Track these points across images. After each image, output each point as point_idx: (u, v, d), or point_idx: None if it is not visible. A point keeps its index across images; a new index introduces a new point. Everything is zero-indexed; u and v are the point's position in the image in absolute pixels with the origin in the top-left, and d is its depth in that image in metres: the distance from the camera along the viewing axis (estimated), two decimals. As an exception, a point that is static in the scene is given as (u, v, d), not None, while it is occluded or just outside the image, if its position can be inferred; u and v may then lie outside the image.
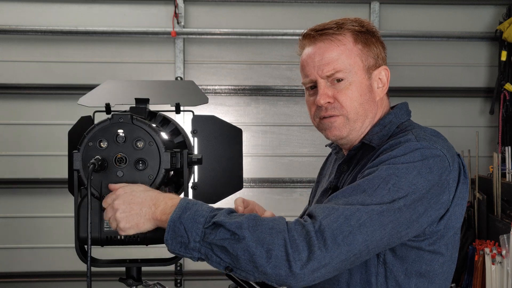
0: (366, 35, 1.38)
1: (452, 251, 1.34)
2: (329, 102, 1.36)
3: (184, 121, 3.40)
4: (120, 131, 1.23)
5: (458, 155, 1.34)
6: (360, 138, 1.40)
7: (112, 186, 1.24)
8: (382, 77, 1.40)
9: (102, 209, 1.25)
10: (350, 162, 1.43)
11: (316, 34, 1.37)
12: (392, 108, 1.46)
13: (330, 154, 1.66)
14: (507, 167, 3.59)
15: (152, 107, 1.44)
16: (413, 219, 1.20)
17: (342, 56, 1.35)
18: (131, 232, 1.21)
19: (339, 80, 1.35)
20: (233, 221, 1.13)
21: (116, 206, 1.20)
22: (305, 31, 1.41)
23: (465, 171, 1.33)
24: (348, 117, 1.36)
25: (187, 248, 1.14)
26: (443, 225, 1.27)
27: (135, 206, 1.20)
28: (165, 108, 1.46)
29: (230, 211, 1.18)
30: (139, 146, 1.23)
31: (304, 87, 1.44)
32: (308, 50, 1.39)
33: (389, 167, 1.20)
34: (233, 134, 1.45)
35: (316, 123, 1.42)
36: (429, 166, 1.22)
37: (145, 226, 1.21)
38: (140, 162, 1.23)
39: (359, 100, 1.36)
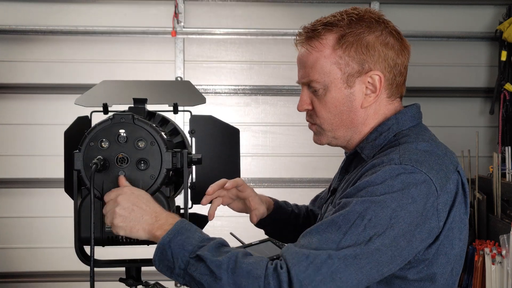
0: (355, 36, 1.26)
1: (449, 277, 1.24)
2: (307, 109, 1.34)
3: (183, 121, 3.40)
4: (122, 131, 1.23)
5: (459, 171, 1.23)
6: (355, 143, 1.35)
7: (121, 181, 1.23)
8: (374, 82, 1.28)
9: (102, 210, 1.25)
10: (349, 167, 1.41)
11: (301, 37, 1.33)
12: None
13: None
14: (507, 167, 3.59)
15: (149, 107, 1.44)
16: (395, 255, 1.12)
17: (316, 64, 1.28)
18: (121, 232, 1.20)
19: (314, 89, 1.30)
20: (214, 258, 1.10)
21: (119, 201, 1.19)
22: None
23: (465, 189, 1.23)
24: (322, 127, 1.33)
25: (173, 273, 1.14)
26: (433, 252, 1.18)
27: (137, 210, 1.20)
28: (162, 108, 1.46)
29: (221, 245, 1.15)
30: (141, 146, 1.23)
31: None
32: (298, 51, 1.37)
33: (365, 200, 1.11)
34: (231, 134, 1.46)
35: None
36: (411, 195, 1.12)
37: (138, 233, 1.20)
38: (142, 162, 1.23)
39: (334, 110, 1.29)
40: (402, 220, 1.11)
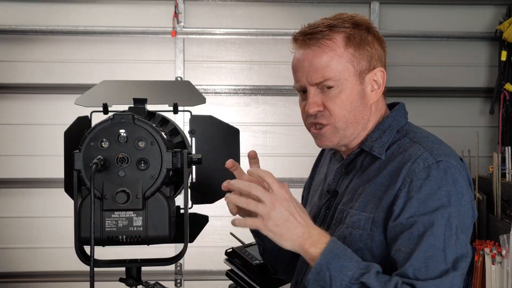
0: (360, 35, 1.32)
1: None
2: (319, 110, 1.33)
3: (184, 121, 3.40)
4: (122, 131, 1.23)
5: (461, 159, 1.32)
6: (357, 142, 1.37)
7: (286, 188, 1.26)
8: (378, 79, 1.35)
9: (104, 209, 1.25)
10: (349, 166, 1.41)
11: (305, 39, 1.32)
12: (390, 108, 1.44)
13: (323, 150, 1.64)
14: (507, 167, 3.59)
15: (149, 107, 1.44)
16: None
17: (331, 62, 1.29)
18: (268, 234, 1.20)
19: (329, 87, 1.31)
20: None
21: (277, 206, 1.20)
22: (295, 32, 1.36)
23: (468, 174, 1.32)
24: (336, 126, 1.33)
25: None
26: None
27: (292, 220, 1.21)
28: (162, 108, 1.46)
29: (378, 272, 1.18)
30: (141, 146, 1.23)
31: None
32: (297, 54, 1.35)
33: (442, 212, 1.20)
34: (231, 134, 1.46)
35: (307, 128, 1.41)
36: (461, 191, 1.24)
37: (285, 243, 1.21)
38: (142, 162, 1.23)
39: (349, 107, 1.32)
40: (468, 215, 1.26)
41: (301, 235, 1.21)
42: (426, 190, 1.21)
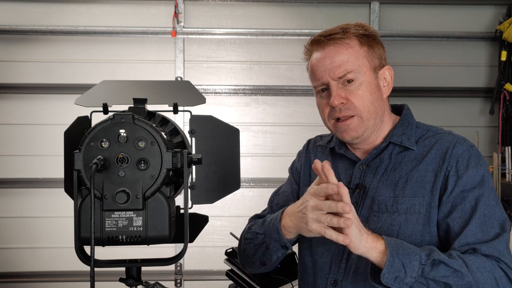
0: (369, 38, 1.48)
1: None
2: (342, 103, 1.43)
3: (184, 121, 3.41)
4: (122, 131, 1.23)
5: None
6: (376, 136, 1.49)
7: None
8: (386, 76, 1.50)
9: (104, 209, 1.25)
10: (373, 161, 1.50)
11: (324, 39, 1.45)
12: (394, 108, 1.59)
13: (303, 153, 1.67)
14: (507, 167, 3.60)
15: (149, 107, 1.44)
16: None
17: (351, 58, 1.43)
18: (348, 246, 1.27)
19: (349, 81, 1.42)
20: (452, 260, 1.28)
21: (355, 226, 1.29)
22: (311, 38, 1.49)
23: None
24: (361, 116, 1.44)
25: (402, 282, 1.26)
26: None
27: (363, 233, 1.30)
28: (162, 108, 1.46)
29: (432, 250, 1.32)
30: (141, 146, 1.23)
31: (314, 91, 1.52)
32: (317, 54, 1.47)
33: (486, 186, 1.40)
34: (231, 134, 1.46)
35: (330, 125, 1.49)
36: (488, 169, 1.45)
37: (360, 248, 1.27)
38: (142, 162, 1.23)
39: (369, 99, 1.44)
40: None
41: (368, 239, 1.29)
42: (471, 168, 1.40)
